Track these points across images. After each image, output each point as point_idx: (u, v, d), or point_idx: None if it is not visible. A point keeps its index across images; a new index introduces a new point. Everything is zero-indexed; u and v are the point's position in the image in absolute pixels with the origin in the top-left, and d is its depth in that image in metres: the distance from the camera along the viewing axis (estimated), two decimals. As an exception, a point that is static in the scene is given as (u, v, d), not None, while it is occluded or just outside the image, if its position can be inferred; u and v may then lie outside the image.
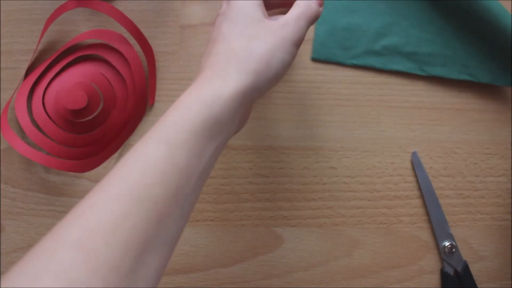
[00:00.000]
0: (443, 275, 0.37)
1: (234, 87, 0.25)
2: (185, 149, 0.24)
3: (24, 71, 0.38)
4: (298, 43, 0.28)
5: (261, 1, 0.30)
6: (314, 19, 0.30)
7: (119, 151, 0.38)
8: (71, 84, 0.37)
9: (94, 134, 0.38)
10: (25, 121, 0.37)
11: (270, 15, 0.30)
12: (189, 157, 0.24)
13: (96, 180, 0.38)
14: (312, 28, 0.38)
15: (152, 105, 0.38)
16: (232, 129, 0.27)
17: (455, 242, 0.37)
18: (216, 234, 0.38)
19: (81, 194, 0.38)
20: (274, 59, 0.27)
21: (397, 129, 0.38)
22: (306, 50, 0.38)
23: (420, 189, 0.37)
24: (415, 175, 0.38)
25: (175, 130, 0.24)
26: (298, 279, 0.37)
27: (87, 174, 0.38)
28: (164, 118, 0.25)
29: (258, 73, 0.26)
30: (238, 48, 0.27)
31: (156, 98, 0.38)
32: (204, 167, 0.25)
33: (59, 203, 0.38)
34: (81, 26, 0.39)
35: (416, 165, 0.37)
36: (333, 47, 0.38)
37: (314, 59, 0.38)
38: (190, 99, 0.25)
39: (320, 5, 0.31)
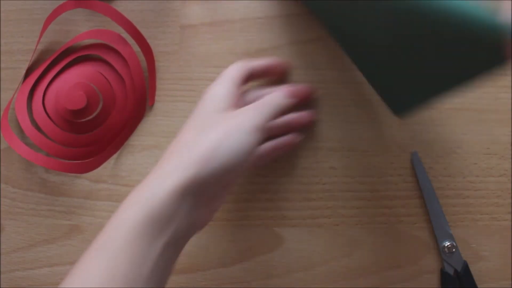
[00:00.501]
0: (443, 275, 0.37)
1: (172, 183, 0.25)
2: (126, 252, 0.23)
3: (24, 71, 0.38)
4: (255, 129, 0.28)
5: (231, 93, 0.30)
6: (279, 109, 0.30)
7: (119, 151, 0.38)
8: (71, 84, 0.37)
9: (94, 134, 0.38)
10: (25, 121, 0.37)
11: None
12: (132, 261, 0.23)
13: (96, 180, 0.38)
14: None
15: (152, 105, 0.38)
16: (183, 224, 0.26)
17: (455, 242, 0.37)
18: (216, 234, 0.38)
19: (81, 194, 0.38)
20: (221, 149, 0.26)
21: (397, 129, 0.38)
22: (306, 49, 0.38)
23: (420, 189, 0.37)
24: (415, 175, 0.38)
25: (117, 233, 0.24)
26: (298, 279, 0.37)
27: (87, 174, 0.38)
28: (110, 220, 0.25)
29: (200, 166, 0.25)
30: (185, 141, 0.27)
31: (156, 98, 0.38)
32: (152, 268, 0.24)
33: (59, 203, 0.38)
34: (81, 26, 0.39)
35: (416, 165, 0.37)
36: None
37: None
38: (132, 197, 0.26)
39: (290, 96, 0.32)
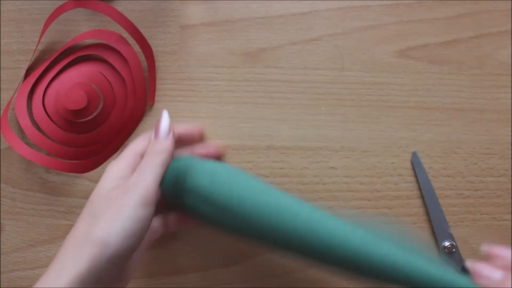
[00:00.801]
0: (443, 275, 0.37)
1: (66, 279, 0.25)
2: None
3: (24, 71, 0.38)
4: (142, 202, 0.27)
5: (128, 171, 0.29)
6: (164, 160, 0.30)
7: (119, 151, 0.38)
8: (71, 84, 0.37)
9: (94, 134, 0.38)
10: (25, 121, 0.37)
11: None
12: None
13: (96, 180, 0.38)
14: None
15: (152, 105, 0.38)
16: None
17: (455, 242, 0.37)
18: (216, 234, 0.38)
19: (81, 194, 0.38)
20: (112, 236, 0.26)
21: (397, 129, 0.38)
22: (306, 49, 0.38)
23: (420, 189, 0.37)
24: (415, 175, 0.38)
25: None
26: (298, 279, 0.37)
27: (87, 174, 0.38)
28: None
29: (94, 257, 0.26)
30: (78, 233, 0.27)
31: (156, 98, 0.38)
32: None
33: (59, 203, 0.38)
34: (81, 26, 0.39)
35: (416, 165, 0.37)
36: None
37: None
38: None
39: (164, 134, 0.31)
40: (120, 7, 0.38)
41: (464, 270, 0.36)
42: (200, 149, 0.34)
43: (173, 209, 0.34)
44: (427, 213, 0.37)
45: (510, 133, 0.38)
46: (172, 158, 0.31)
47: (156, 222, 0.34)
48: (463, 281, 0.27)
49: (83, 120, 0.37)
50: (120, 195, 0.27)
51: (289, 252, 0.30)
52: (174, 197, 0.31)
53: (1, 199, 0.38)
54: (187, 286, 0.38)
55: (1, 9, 0.39)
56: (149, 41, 0.38)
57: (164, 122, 0.31)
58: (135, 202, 0.27)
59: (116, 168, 0.30)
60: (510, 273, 0.26)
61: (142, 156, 0.31)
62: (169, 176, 0.31)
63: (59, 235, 0.38)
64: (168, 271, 0.38)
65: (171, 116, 0.38)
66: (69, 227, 0.38)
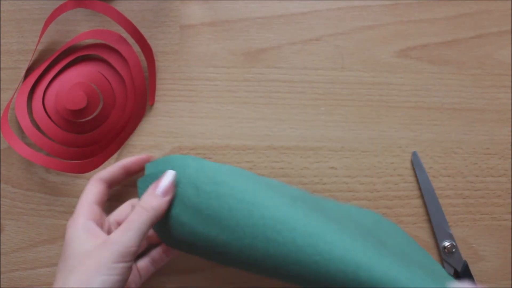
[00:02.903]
0: (443, 275, 0.37)
1: None
2: None
3: (24, 71, 0.38)
4: (123, 257, 0.27)
5: (91, 223, 0.30)
6: (152, 218, 0.29)
7: (119, 151, 0.38)
8: (71, 84, 0.37)
9: (94, 134, 0.38)
10: (25, 121, 0.37)
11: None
12: None
13: (96, 180, 0.38)
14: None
15: (152, 105, 0.38)
16: None
17: (455, 242, 0.37)
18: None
19: (81, 194, 0.38)
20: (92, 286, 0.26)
21: (397, 129, 0.38)
22: (306, 49, 0.38)
23: (420, 189, 0.37)
24: (415, 175, 0.38)
25: None
26: (298, 279, 0.37)
27: (87, 174, 0.38)
28: None
29: None
30: None
31: (156, 98, 0.38)
32: None
33: (59, 203, 0.38)
34: (81, 26, 0.39)
35: (416, 165, 0.37)
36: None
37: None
38: None
39: (162, 194, 0.30)
40: (120, 7, 0.38)
41: (464, 270, 0.36)
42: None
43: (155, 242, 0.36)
44: (427, 213, 0.37)
45: (510, 133, 0.38)
46: (161, 218, 0.31)
47: (144, 262, 0.35)
48: None
49: (83, 120, 0.37)
50: (98, 250, 0.28)
51: (281, 270, 0.29)
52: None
53: (1, 199, 0.38)
54: (187, 286, 0.38)
55: (1, 9, 0.39)
56: (149, 41, 0.38)
57: (167, 181, 0.31)
58: (114, 259, 0.27)
59: (75, 224, 0.30)
60: None
61: (96, 203, 0.32)
62: (150, 184, 0.32)
63: (59, 235, 0.38)
64: (168, 271, 0.38)
65: (171, 116, 0.38)
66: (69, 227, 0.38)
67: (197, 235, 0.30)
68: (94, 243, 0.28)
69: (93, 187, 0.33)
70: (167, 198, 0.30)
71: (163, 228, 0.32)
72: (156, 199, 0.30)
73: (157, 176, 0.31)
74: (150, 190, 0.30)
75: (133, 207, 0.35)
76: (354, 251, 0.27)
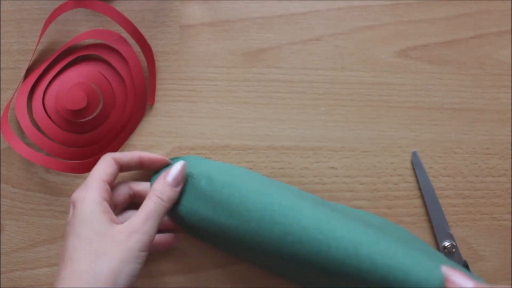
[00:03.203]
0: (443, 275, 0.37)
1: None
2: None
3: (24, 71, 0.38)
4: (147, 247, 0.29)
5: (106, 203, 0.30)
6: (167, 209, 0.31)
7: (118, 151, 0.38)
8: (71, 84, 0.37)
9: (94, 134, 0.38)
10: (25, 121, 0.37)
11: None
12: None
13: (96, 180, 0.38)
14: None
15: (152, 105, 0.38)
16: None
17: (455, 242, 0.37)
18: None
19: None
20: (121, 275, 0.27)
21: (397, 129, 0.38)
22: (306, 49, 0.38)
23: (420, 189, 0.37)
24: (415, 175, 0.38)
25: None
26: (298, 279, 0.37)
27: (87, 174, 0.38)
28: None
29: None
30: (82, 270, 0.27)
31: (156, 98, 0.38)
32: None
33: (59, 203, 0.38)
34: (81, 26, 0.39)
35: (416, 165, 0.37)
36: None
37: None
38: None
39: (176, 185, 0.32)
40: (120, 7, 0.38)
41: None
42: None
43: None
44: (427, 213, 0.37)
45: (510, 133, 0.38)
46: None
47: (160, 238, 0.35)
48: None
49: (83, 120, 0.37)
50: (125, 237, 0.28)
51: (284, 250, 0.30)
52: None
53: (1, 199, 0.38)
54: (187, 286, 0.38)
55: (1, 9, 0.39)
56: (149, 41, 0.38)
57: (177, 170, 0.32)
58: (141, 247, 0.28)
59: (90, 200, 0.30)
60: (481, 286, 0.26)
61: (108, 182, 0.32)
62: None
63: (59, 235, 0.38)
64: (168, 271, 0.38)
65: (171, 116, 0.38)
66: (69, 227, 0.38)
67: (207, 220, 0.32)
68: (116, 228, 0.29)
69: (106, 166, 0.32)
70: (179, 189, 0.32)
71: (176, 215, 0.34)
72: (171, 190, 0.32)
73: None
74: (161, 179, 0.32)
75: (130, 189, 0.34)
76: (356, 231, 0.29)
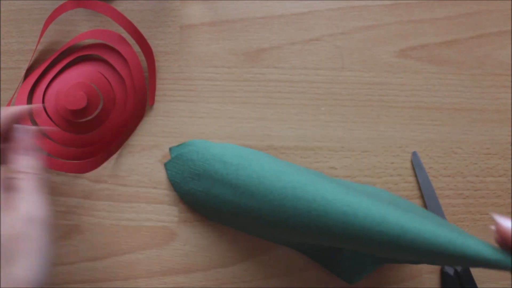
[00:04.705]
0: (443, 275, 0.37)
1: None
2: None
3: (24, 71, 0.38)
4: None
5: None
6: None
7: (119, 151, 0.38)
8: (71, 84, 0.37)
9: (94, 134, 0.38)
10: (25, 121, 0.37)
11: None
12: None
13: (96, 180, 0.38)
14: (312, 28, 0.37)
15: (152, 105, 0.38)
16: None
17: (455, 242, 0.36)
18: (216, 234, 0.38)
19: (81, 194, 0.38)
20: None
21: (397, 129, 0.38)
22: (306, 49, 0.38)
23: (420, 189, 0.37)
24: (415, 175, 0.38)
25: None
26: (298, 279, 0.37)
27: (87, 174, 0.38)
28: None
29: None
30: None
31: (156, 98, 0.38)
32: None
33: (59, 203, 0.38)
34: (81, 26, 0.39)
35: (416, 165, 0.37)
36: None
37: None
38: None
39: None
40: (120, 7, 0.38)
41: (464, 270, 0.36)
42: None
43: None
44: (427, 213, 0.37)
45: (510, 133, 0.38)
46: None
47: None
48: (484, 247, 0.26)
49: (83, 120, 0.37)
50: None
51: (310, 225, 0.30)
52: (183, 183, 0.35)
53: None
54: (187, 286, 0.38)
55: (1, 9, 0.39)
56: (149, 41, 0.38)
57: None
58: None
59: None
60: None
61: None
62: (178, 164, 0.36)
63: (59, 235, 0.38)
64: (168, 271, 0.38)
65: (171, 116, 0.38)
66: (69, 227, 0.38)
67: (228, 204, 0.33)
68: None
69: None
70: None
71: (197, 205, 0.35)
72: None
73: (182, 158, 0.36)
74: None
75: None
76: (379, 204, 0.28)
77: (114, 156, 0.38)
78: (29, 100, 0.38)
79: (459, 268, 0.36)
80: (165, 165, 0.37)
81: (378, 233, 0.27)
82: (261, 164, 0.32)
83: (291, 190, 0.30)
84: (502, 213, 0.37)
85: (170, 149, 0.37)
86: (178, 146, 0.37)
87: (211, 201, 0.34)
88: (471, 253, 0.24)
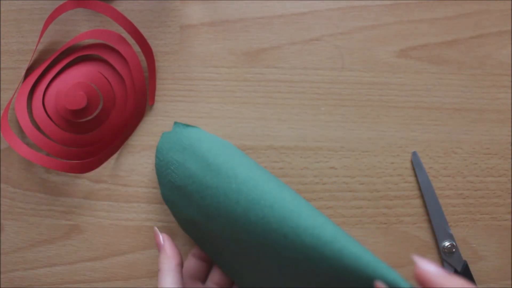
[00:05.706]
0: (443, 275, 0.36)
1: None
2: None
3: (24, 71, 0.38)
4: None
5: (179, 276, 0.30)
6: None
7: (119, 151, 0.38)
8: (71, 84, 0.37)
9: (94, 134, 0.38)
10: (25, 122, 0.37)
11: None
12: None
13: (96, 180, 0.38)
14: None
15: (152, 105, 0.38)
16: None
17: (455, 242, 0.37)
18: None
19: (81, 194, 0.38)
20: None
21: (397, 129, 0.38)
22: (306, 49, 0.38)
23: (420, 189, 0.37)
24: (415, 175, 0.38)
25: None
26: (298, 279, 0.37)
27: (87, 174, 0.38)
28: None
29: None
30: None
31: (156, 98, 0.38)
32: None
33: (59, 203, 0.38)
34: (81, 26, 0.39)
35: (416, 165, 0.37)
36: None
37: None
38: None
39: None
40: (120, 7, 0.38)
41: (464, 270, 0.36)
42: None
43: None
44: (427, 213, 0.37)
45: (510, 133, 0.38)
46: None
47: None
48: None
49: (83, 120, 0.37)
50: None
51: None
52: (165, 169, 0.34)
53: (1, 199, 0.38)
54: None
55: (1, 9, 0.39)
56: (149, 41, 0.38)
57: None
58: None
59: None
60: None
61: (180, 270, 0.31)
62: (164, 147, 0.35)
63: (59, 235, 0.38)
64: (168, 271, 0.38)
65: (171, 116, 0.38)
66: (69, 227, 0.38)
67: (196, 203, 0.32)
68: None
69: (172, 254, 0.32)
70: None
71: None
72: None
73: (177, 138, 0.35)
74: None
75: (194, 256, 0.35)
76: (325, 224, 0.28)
77: (114, 156, 0.38)
78: (29, 100, 0.38)
79: (459, 268, 0.36)
80: (162, 134, 0.36)
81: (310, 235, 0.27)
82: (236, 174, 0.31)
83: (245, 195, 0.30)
84: (502, 213, 0.37)
85: (175, 123, 0.36)
86: (182, 124, 0.36)
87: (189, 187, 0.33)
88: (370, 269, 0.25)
